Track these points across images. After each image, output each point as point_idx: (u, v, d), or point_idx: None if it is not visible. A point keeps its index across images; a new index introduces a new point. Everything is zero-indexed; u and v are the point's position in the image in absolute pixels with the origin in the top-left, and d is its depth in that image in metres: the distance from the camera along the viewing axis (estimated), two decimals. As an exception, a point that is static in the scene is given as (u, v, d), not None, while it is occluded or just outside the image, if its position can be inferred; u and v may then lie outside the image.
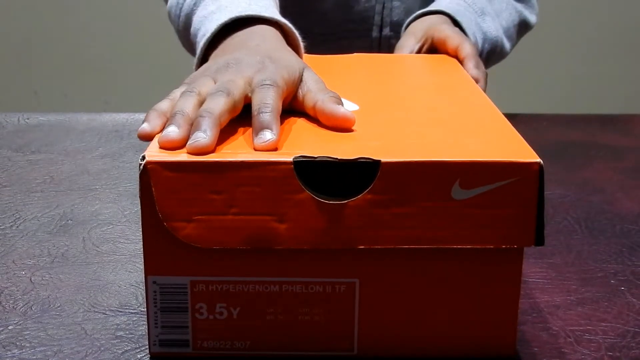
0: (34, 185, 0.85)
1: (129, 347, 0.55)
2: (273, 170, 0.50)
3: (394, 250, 0.52)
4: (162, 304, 0.53)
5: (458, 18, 0.97)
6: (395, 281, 0.53)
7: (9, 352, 0.55)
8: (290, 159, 0.50)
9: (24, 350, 0.55)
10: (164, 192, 0.50)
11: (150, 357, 0.54)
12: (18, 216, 0.77)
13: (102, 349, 0.55)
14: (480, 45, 0.98)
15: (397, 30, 1.07)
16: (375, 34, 1.08)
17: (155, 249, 0.52)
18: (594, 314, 0.61)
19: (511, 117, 1.16)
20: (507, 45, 1.04)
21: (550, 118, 1.15)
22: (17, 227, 0.75)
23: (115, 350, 0.55)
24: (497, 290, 0.53)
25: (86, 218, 0.77)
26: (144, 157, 0.50)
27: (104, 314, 0.60)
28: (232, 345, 0.54)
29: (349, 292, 0.53)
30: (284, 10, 0.82)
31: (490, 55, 1.01)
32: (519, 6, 1.07)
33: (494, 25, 1.01)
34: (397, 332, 0.54)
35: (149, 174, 0.50)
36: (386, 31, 1.08)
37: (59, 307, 0.61)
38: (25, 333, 0.57)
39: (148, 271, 0.52)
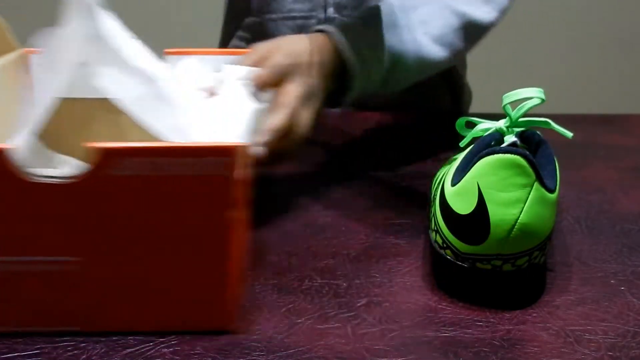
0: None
1: None
2: None
3: (114, 228, 0.54)
4: None
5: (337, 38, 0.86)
6: (117, 259, 0.55)
7: None
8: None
9: None
10: None
11: None
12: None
13: None
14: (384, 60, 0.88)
15: (340, 11, 1.09)
16: (320, 14, 1.10)
17: None
18: (594, 314, 0.61)
19: (511, 117, 1.17)
20: (436, 54, 0.94)
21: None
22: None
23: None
24: (207, 265, 0.56)
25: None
26: None
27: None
28: None
29: (74, 270, 0.55)
30: None
31: (397, 69, 0.90)
32: (464, 8, 0.98)
33: (408, 37, 0.91)
34: (120, 308, 0.57)
35: None
36: (330, 12, 1.09)
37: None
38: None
39: None
